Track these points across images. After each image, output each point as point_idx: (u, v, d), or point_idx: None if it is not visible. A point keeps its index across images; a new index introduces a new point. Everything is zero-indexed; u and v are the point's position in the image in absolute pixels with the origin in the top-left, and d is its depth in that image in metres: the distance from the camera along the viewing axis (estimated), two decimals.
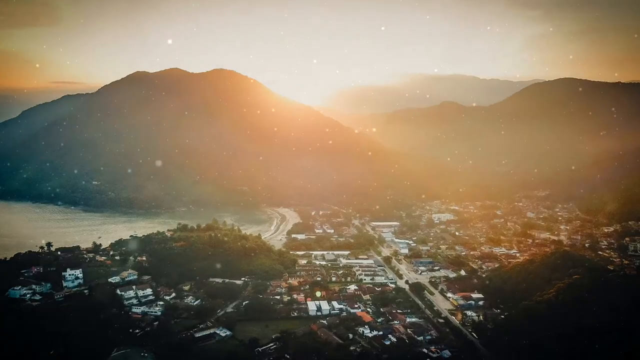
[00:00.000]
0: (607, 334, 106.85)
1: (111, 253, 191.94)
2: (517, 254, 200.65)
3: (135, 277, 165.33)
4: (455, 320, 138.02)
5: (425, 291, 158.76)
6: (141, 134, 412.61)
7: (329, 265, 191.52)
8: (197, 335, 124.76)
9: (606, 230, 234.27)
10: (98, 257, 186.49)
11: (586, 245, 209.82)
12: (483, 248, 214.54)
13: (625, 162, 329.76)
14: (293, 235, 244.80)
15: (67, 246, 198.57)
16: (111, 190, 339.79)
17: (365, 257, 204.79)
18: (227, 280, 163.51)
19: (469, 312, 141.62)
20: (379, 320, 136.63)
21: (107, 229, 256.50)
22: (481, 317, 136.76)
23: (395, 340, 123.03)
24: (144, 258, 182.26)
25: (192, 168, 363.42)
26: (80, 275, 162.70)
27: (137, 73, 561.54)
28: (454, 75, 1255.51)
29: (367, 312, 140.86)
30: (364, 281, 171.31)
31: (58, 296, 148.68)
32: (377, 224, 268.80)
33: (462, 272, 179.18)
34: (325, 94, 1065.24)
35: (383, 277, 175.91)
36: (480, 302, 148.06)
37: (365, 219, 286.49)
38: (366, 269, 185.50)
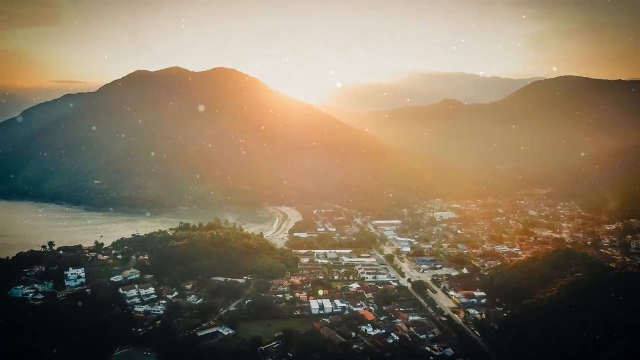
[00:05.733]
0: (609, 331, 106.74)
1: (113, 252, 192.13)
2: (519, 252, 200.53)
3: (138, 276, 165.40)
4: (458, 318, 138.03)
5: (428, 289, 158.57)
6: (142, 133, 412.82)
7: (331, 263, 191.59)
8: (199, 334, 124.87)
9: (608, 228, 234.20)
10: (100, 256, 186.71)
11: (588, 243, 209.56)
12: (485, 246, 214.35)
13: (627, 159, 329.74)
14: (295, 234, 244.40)
15: (69, 245, 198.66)
16: (113, 189, 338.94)
17: (367, 255, 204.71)
18: (229, 279, 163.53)
19: (471, 310, 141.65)
20: (382, 318, 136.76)
21: (109, 228, 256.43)
22: (483, 315, 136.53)
23: (397, 338, 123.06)
24: (146, 257, 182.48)
25: (194, 167, 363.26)
26: (83, 275, 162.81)
27: (138, 72, 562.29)
28: (454, 73, 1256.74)
29: (370, 311, 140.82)
30: (366, 279, 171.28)
31: (60, 295, 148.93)
32: (379, 223, 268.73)
33: (464, 270, 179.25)
34: (325, 92, 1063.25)
35: (385, 276, 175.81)
36: (483, 300, 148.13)
37: (367, 218, 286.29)
38: (368, 267, 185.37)
